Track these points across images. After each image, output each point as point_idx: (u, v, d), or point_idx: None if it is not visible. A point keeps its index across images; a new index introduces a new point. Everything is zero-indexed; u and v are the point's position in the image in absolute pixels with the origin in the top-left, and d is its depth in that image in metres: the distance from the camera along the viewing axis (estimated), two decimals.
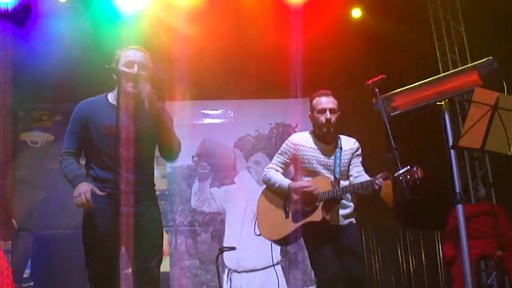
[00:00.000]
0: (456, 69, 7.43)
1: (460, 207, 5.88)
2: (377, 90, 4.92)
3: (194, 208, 8.40)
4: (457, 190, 5.92)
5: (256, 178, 8.43)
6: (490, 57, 5.78)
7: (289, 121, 8.53)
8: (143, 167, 4.35)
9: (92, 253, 4.26)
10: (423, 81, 6.22)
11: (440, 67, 8.22)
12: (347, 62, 7.73)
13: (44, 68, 7.56)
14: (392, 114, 6.22)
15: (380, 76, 4.89)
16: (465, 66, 6.97)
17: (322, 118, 5.05)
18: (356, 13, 8.41)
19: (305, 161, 5.09)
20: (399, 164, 4.48)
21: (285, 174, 5.23)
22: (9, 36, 7.82)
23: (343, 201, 5.05)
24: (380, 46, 7.81)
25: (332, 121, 5.03)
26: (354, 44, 7.72)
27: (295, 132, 8.01)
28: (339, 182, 4.99)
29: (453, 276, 6.91)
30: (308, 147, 5.12)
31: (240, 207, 8.38)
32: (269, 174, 5.19)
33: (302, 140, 5.17)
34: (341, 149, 5.12)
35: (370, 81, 4.92)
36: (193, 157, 8.36)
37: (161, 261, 4.38)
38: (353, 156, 5.16)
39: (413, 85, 6.27)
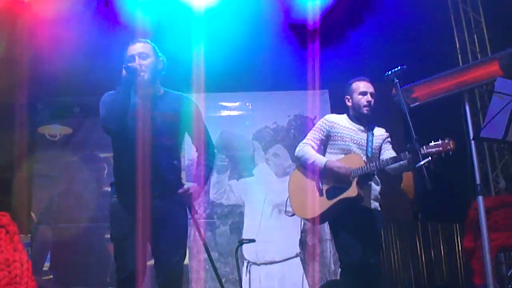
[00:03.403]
0: (477, 60, 7.41)
1: (480, 199, 5.85)
2: (397, 81, 4.90)
3: (212, 201, 8.41)
4: (477, 182, 5.89)
5: (275, 170, 8.43)
6: (511, 47, 5.75)
7: (307, 113, 8.49)
8: (166, 155, 4.35)
9: (119, 247, 4.27)
10: (443, 72, 6.19)
11: (460, 59, 8.15)
12: (366, 54, 7.68)
13: (62, 61, 7.58)
14: (412, 105, 6.21)
15: (399, 67, 4.87)
16: (486, 57, 6.95)
17: (363, 100, 5.19)
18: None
19: (339, 138, 5.17)
20: (420, 155, 4.48)
21: (318, 151, 5.23)
22: (28, 29, 7.83)
23: (372, 183, 5.12)
24: (398, 37, 7.75)
25: (372, 103, 5.18)
26: (373, 35, 7.67)
27: (313, 123, 8.02)
28: (371, 161, 5.02)
29: (473, 269, 6.87)
30: (343, 126, 5.22)
31: (259, 199, 8.38)
32: (304, 149, 5.21)
33: (337, 119, 5.27)
34: (373, 134, 5.22)
35: (390, 72, 4.91)
36: None
37: (184, 257, 4.39)
38: (384, 141, 5.27)
39: (433, 76, 6.24)
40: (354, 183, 4.95)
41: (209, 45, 7.50)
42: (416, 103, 6.25)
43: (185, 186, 4.34)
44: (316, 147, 5.22)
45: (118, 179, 4.38)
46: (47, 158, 8.47)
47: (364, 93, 5.20)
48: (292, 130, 8.53)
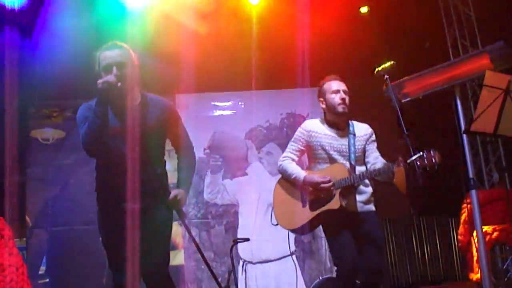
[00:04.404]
0: (467, 54, 7.43)
1: (474, 192, 5.86)
2: (387, 76, 4.89)
3: (207, 201, 8.38)
4: (471, 175, 5.90)
5: (269, 169, 8.41)
6: (501, 41, 5.76)
7: (300, 111, 8.46)
8: (151, 165, 4.31)
9: (109, 252, 4.27)
10: (434, 67, 6.19)
11: (451, 53, 8.17)
12: (357, 50, 7.69)
13: (53, 64, 7.57)
14: (403, 100, 6.21)
15: (389, 62, 4.86)
16: (476, 51, 6.96)
17: (337, 99, 5.02)
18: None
19: (319, 148, 5.04)
20: (411, 150, 4.46)
21: (300, 161, 5.18)
22: (16, 34, 7.81)
23: (362, 187, 5.01)
24: (390, 33, 7.76)
25: (346, 101, 5.01)
26: (364, 32, 7.68)
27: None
28: (354, 169, 4.94)
29: (468, 263, 6.89)
30: (321, 134, 5.07)
31: (253, 198, 8.35)
32: (284, 164, 5.13)
33: (315, 127, 5.13)
34: (355, 135, 5.07)
35: (380, 67, 4.90)
36: (204, 149, 8.32)
37: (167, 260, 4.34)
38: (367, 142, 5.11)
39: (424, 71, 6.25)
40: (337, 195, 4.85)
41: (200, 44, 7.51)
42: (408, 98, 6.26)
43: (173, 193, 4.31)
44: (296, 159, 5.15)
45: (102, 191, 4.33)
46: (41, 161, 8.44)
47: (336, 92, 5.03)
48: (285, 129, 8.51)
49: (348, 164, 4.96)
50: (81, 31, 7.47)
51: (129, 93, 4.22)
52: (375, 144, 5.15)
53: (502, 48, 5.74)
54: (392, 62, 4.85)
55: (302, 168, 5.12)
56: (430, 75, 6.19)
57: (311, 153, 5.12)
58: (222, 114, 8.76)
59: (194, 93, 8.06)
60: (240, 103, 8.80)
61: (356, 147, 5.03)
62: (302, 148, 5.13)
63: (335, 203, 4.85)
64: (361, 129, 5.14)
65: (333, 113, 5.07)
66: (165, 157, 4.49)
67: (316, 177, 4.94)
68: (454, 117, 5.95)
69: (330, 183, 4.85)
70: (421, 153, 4.42)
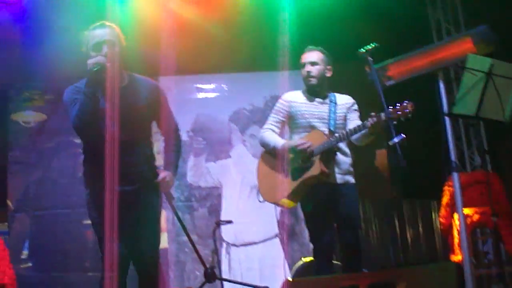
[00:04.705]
0: (450, 37, 7.44)
1: (455, 175, 5.89)
2: (371, 59, 4.90)
3: (190, 183, 8.38)
4: (453, 158, 5.94)
5: (252, 152, 8.41)
6: (484, 25, 5.78)
7: (284, 94, 8.43)
8: (140, 148, 4.31)
9: (99, 234, 4.23)
10: (417, 50, 6.20)
11: (434, 37, 8.17)
12: (341, 33, 7.67)
13: (34, 46, 7.51)
14: (387, 83, 6.21)
15: (372, 45, 4.86)
16: (459, 34, 6.98)
17: (304, 71, 5.13)
18: None
19: (299, 116, 5.09)
20: (393, 132, 4.48)
21: (282, 133, 5.23)
22: None
23: (340, 156, 5.03)
24: (374, 15, 7.74)
25: (313, 73, 5.08)
26: (348, 14, 7.66)
27: None
28: (334, 135, 4.95)
29: (449, 245, 6.94)
30: (300, 103, 5.14)
31: (236, 181, 8.37)
32: (264, 135, 5.19)
33: (295, 97, 5.20)
34: (336, 103, 5.11)
35: (363, 49, 4.90)
36: (187, 132, 8.31)
37: (158, 243, 4.36)
38: (348, 110, 5.15)
39: (408, 54, 6.25)
40: (317, 161, 4.87)
41: (183, 27, 7.47)
42: (391, 82, 6.26)
43: (161, 175, 4.32)
44: (277, 130, 5.20)
45: (91, 174, 4.32)
46: (22, 145, 8.39)
47: (303, 65, 5.14)
48: (268, 111, 8.43)
49: (327, 131, 4.98)
50: (62, 14, 7.41)
51: (117, 74, 4.20)
52: (357, 114, 5.19)
53: (485, 32, 5.76)
54: (374, 44, 4.85)
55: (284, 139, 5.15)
56: (413, 58, 6.20)
57: (292, 123, 5.17)
58: (205, 97, 8.76)
59: (177, 75, 8.02)
60: (223, 85, 8.78)
61: (337, 114, 5.07)
62: (282, 119, 5.19)
63: (315, 169, 4.87)
64: (343, 98, 5.21)
65: (306, 86, 5.18)
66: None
67: (293, 141, 5.00)
68: (437, 99, 5.97)
69: (308, 143, 4.89)
70: (403, 136, 4.43)
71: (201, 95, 8.75)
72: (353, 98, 5.30)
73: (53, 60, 7.51)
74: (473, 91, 4.93)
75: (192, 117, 8.47)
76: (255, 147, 8.36)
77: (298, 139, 5.01)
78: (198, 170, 8.41)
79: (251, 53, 8.00)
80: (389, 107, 4.56)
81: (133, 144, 4.21)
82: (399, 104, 4.55)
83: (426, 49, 6.19)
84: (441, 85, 6.03)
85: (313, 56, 5.13)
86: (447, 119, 5.93)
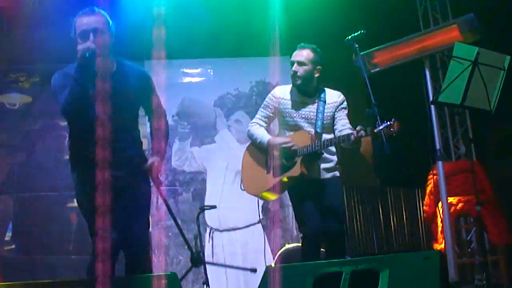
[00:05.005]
0: (437, 26, 7.44)
1: (440, 164, 5.92)
2: (357, 46, 4.91)
3: (174, 168, 8.37)
4: (437, 147, 5.96)
5: (237, 137, 8.42)
6: (470, 13, 5.79)
7: (269, 79, 8.45)
8: (128, 133, 4.32)
9: (90, 220, 4.20)
10: (404, 38, 6.21)
11: (421, 25, 8.17)
12: (328, 20, 7.66)
13: (20, 28, 7.46)
14: (373, 71, 6.23)
15: (359, 32, 4.87)
16: (445, 23, 6.98)
17: (291, 70, 5.12)
18: None
19: (287, 114, 5.12)
20: (378, 119, 4.49)
21: (269, 128, 5.28)
22: None
23: (326, 155, 5.07)
24: (361, 3, 7.73)
25: (299, 73, 5.06)
26: (336, 1, 7.64)
27: None
28: (320, 136, 5.00)
29: (433, 233, 6.96)
30: (289, 100, 5.14)
31: (221, 166, 8.37)
32: (251, 129, 5.22)
33: (284, 93, 5.19)
34: (325, 102, 5.11)
35: (350, 37, 4.91)
36: (173, 116, 8.29)
37: (147, 227, 4.39)
38: (337, 109, 5.15)
39: (394, 41, 6.27)
40: (298, 162, 4.93)
41: (170, 11, 7.42)
42: (377, 69, 6.28)
43: (150, 161, 4.34)
44: (264, 125, 5.24)
45: (77, 159, 4.31)
46: (7, 127, 8.34)
47: (292, 64, 5.13)
48: (254, 97, 8.50)
49: (313, 132, 5.01)
50: None
51: (106, 61, 4.19)
52: (345, 112, 5.19)
53: (471, 21, 5.78)
54: (361, 31, 4.86)
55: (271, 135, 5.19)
56: (399, 46, 6.22)
57: (280, 120, 5.20)
58: (191, 81, 8.73)
59: (163, 60, 7.98)
60: (209, 70, 8.77)
61: (325, 114, 5.08)
62: (270, 114, 5.21)
63: (296, 170, 4.94)
64: (332, 96, 5.18)
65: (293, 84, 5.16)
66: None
67: (279, 139, 5.06)
68: (423, 87, 5.99)
69: (292, 143, 4.94)
70: (388, 123, 4.45)
71: (187, 80, 8.72)
72: (340, 85, 5.30)
73: (39, 42, 7.47)
74: (459, 80, 4.93)
75: (178, 101, 8.44)
76: (240, 132, 8.37)
77: (283, 137, 5.08)
78: (182, 155, 8.39)
79: (237, 39, 7.98)
80: (380, 124, 4.48)
81: (121, 130, 4.20)
82: (389, 124, 4.48)
83: (412, 36, 6.21)
84: (427, 73, 6.05)
85: (302, 56, 5.10)
86: (432, 107, 5.95)
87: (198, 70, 8.78)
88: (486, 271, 6.07)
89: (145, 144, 4.59)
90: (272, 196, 5.26)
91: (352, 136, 4.67)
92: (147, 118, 4.56)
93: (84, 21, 4.16)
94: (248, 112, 8.37)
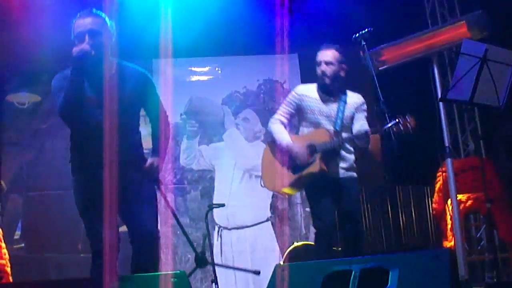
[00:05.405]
0: (446, 22, 7.42)
1: (449, 161, 5.89)
2: (365, 43, 4.90)
3: (183, 166, 8.39)
4: (446, 144, 5.93)
5: (245, 135, 8.44)
6: (478, 10, 5.76)
7: (277, 77, 8.47)
8: (127, 134, 4.30)
9: (86, 222, 4.26)
10: (412, 35, 6.20)
11: (429, 22, 8.15)
12: (336, 18, 7.64)
13: (30, 28, 7.47)
14: (381, 68, 6.22)
15: (367, 29, 4.86)
16: (453, 19, 6.96)
17: (318, 70, 5.18)
18: None
19: (309, 111, 5.20)
20: (387, 117, 4.49)
21: (291, 123, 5.38)
22: None
23: (344, 153, 5.16)
24: (369, 0, 7.72)
25: (327, 73, 5.12)
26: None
27: (283, 88, 8.08)
28: (339, 134, 5.07)
29: (442, 231, 6.95)
30: (311, 98, 5.22)
31: (229, 164, 8.39)
32: (273, 126, 5.31)
33: (307, 91, 5.27)
34: (345, 102, 5.19)
35: (357, 34, 4.90)
36: (181, 114, 8.32)
37: (156, 221, 4.37)
38: (356, 110, 5.22)
39: (402, 39, 6.25)
40: (317, 159, 5.02)
41: (177, 10, 7.43)
42: (385, 66, 6.26)
43: (149, 161, 4.33)
44: (286, 121, 5.30)
45: (77, 161, 4.31)
46: (16, 126, 8.40)
47: (319, 64, 5.18)
48: (261, 95, 8.51)
49: (332, 130, 5.07)
50: None
51: (104, 62, 4.18)
52: (364, 114, 5.26)
53: (479, 17, 5.76)
54: (369, 29, 4.85)
55: (292, 131, 5.33)
56: (408, 43, 6.21)
57: (301, 116, 5.27)
58: (199, 80, 8.76)
59: (171, 58, 7.99)
60: (217, 68, 8.80)
61: (345, 114, 5.16)
62: (292, 111, 5.29)
63: (315, 167, 5.02)
64: (353, 98, 5.27)
65: (320, 83, 5.21)
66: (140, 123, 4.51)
67: (296, 147, 5.10)
68: (431, 85, 5.97)
69: (306, 156, 5.03)
70: (397, 120, 4.46)
71: (194, 78, 8.75)
72: (348, 82, 5.31)
73: (49, 42, 7.48)
74: (467, 77, 4.91)
75: (186, 100, 8.47)
76: (248, 131, 8.39)
77: (304, 140, 5.13)
78: (191, 153, 8.41)
79: (245, 37, 7.97)
80: (393, 120, 4.60)
81: (120, 131, 4.18)
82: (397, 121, 4.59)
83: (420, 34, 6.19)
84: (435, 70, 6.03)
85: (329, 55, 5.16)
86: (441, 104, 5.93)
87: (206, 69, 8.80)
88: (497, 268, 6.04)
89: (149, 143, 4.58)
90: (291, 192, 5.45)
91: (369, 133, 4.78)
92: (148, 119, 4.56)
93: (80, 23, 4.16)
94: (256, 110, 8.39)
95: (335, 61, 5.14)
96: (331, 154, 5.06)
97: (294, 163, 5.12)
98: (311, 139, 5.07)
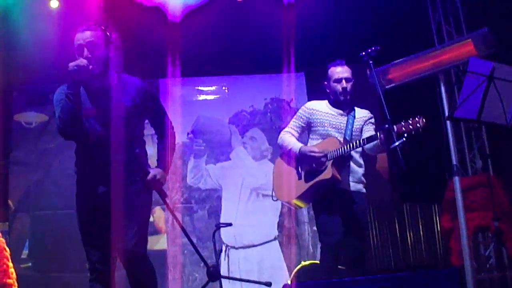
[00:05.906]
0: (451, 40, 7.42)
1: (457, 179, 5.88)
2: (371, 62, 4.91)
3: (190, 185, 8.39)
4: (454, 162, 5.92)
5: (252, 154, 8.44)
6: (484, 27, 5.76)
7: (284, 96, 8.48)
8: (129, 146, 4.27)
9: (84, 237, 4.28)
10: (418, 53, 6.20)
11: (435, 39, 8.15)
12: (342, 36, 7.67)
13: (37, 48, 7.51)
14: (387, 87, 6.22)
15: (373, 48, 4.87)
16: (460, 37, 6.96)
17: (339, 87, 5.22)
18: None
19: (319, 124, 5.26)
20: (394, 136, 4.49)
21: (301, 137, 5.40)
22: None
23: (353, 166, 5.19)
24: (375, 18, 7.74)
25: (348, 89, 5.20)
26: (349, 17, 7.66)
27: (289, 106, 8.10)
28: (349, 143, 5.07)
29: (451, 249, 6.92)
30: (322, 112, 5.29)
31: (236, 183, 8.39)
32: (283, 137, 5.37)
33: (317, 106, 5.35)
34: (354, 117, 5.26)
35: (364, 53, 4.91)
36: (188, 134, 8.34)
37: (143, 241, 4.25)
38: (365, 123, 5.30)
39: (409, 57, 6.25)
40: (329, 165, 5.03)
41: (184, 29, 7.46)
42: (392, 84, 6.26)
43: (151, 173, 4.30)
44: (296, 134, 5.35)
45: (80, 174, 4.32)
46: (24, 145, 8.45)
47: (339, 80, 5.21)
48: (268, 113, 8.52)
49: (342, 139, 5.13)
50: (63, 13, 7.41)
51: (104, 74, 4.21)
52: (373, 126, 5.33)
53: (485, 35, 5.75)
54: (375, 47, 4.86)
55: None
56: (414, 61, 6.20)
57: (311, 129, 5.32)
58: (206, 99, 8.77)
59: (178, 78, 8.02)
60: (224, 87, 8.82)
61: (354, 125, 5.23)
62: (302, 125, 5.36)
63: (327, 173, 5.04)
64: (361, 112, 5.36)
65: (336, 99, 5.27)
66: (148, 142, 4.50)
67: (310, 147, 5.19)
68: (438, 103, 5.97)
69: (322, 154, 5.05)
70: (404, 139, 4.46)
71: (201, 97, 8.76)
72: (355, 100, 5.33)
73: (56, 61, 7.50)
74: (474, 95, 4.90)
75: (193, 119, 8.48)
76: (255, 150, 8.39)
77: (314, 146, 5.18)
78: (198, 172, 8.41)
79: (251, 56, 8.00)
80: (402, 120, 4.65)
81: (122, 143, 4.18)
82: (411, 118, 4.63)
83: (427, 52, 6.19)
84: (442, 88, 6.03)
85: (347, 71, 5.25)
86: (448, 122, 5.93)
87: (213, 88, 8.82)
88: (506, 286, 6.00)
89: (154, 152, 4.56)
90: (303, 204, 5.44)
91: (380, 136, 4.76)
92: (153, 129, 4.57)
93: (79, 36, 4.18)
94: (263, 129, 8.40)
95: (351, 77, 5.23)
96: (342, 163, 5.08)
97: (307, 169, 5.15)
98: (322, 148, 5.10)
